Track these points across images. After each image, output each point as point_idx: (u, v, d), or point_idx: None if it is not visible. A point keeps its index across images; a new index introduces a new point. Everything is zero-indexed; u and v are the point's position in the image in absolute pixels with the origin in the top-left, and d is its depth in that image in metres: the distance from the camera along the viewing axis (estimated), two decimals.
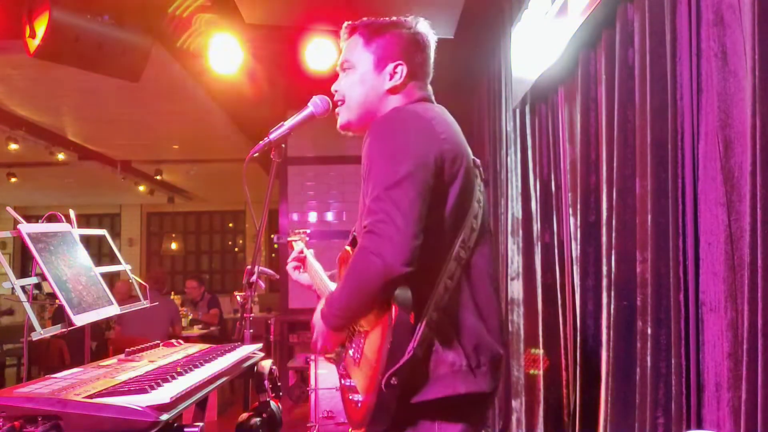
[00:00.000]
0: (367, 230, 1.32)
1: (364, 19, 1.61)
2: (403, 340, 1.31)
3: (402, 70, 1.54)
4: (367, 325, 1.43)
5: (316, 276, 1.87)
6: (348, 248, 1.64)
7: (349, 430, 1.51)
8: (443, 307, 1.37)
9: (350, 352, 1.52)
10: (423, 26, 1.59)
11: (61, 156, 6.99)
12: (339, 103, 1.62)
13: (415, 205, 1.31)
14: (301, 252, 1.96)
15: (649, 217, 1.86)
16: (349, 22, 1.62)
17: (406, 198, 1.31)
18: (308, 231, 2.08)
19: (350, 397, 1.46)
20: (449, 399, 1.35)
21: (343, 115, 1.61)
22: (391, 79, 1.54)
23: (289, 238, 2.08)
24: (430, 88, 1.62)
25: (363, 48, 1.57)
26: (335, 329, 1.47)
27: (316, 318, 1.51)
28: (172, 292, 7.91)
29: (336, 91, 1.63)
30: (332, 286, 1.76)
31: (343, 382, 1.55)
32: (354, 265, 1.35)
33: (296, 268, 1.95)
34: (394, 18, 1.59)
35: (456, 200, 1.42)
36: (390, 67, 1.54)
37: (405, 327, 1.31)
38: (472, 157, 1.51)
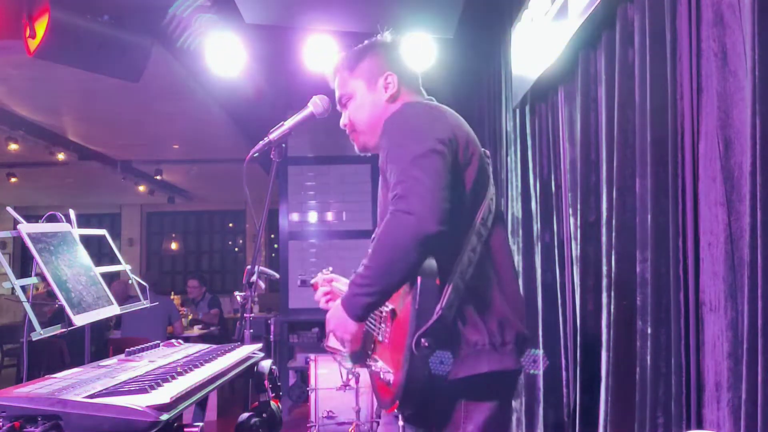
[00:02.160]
0: (398, 197, 1.35)
1: (341, 54, 1.75)
2: (430, 301, 1.35)
3: (393, 79, 1.66)
4: (392, 303, 1.45)
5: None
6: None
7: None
8: (468, 278, 1.41)
9: (379, 336, 1.53)
10: (391, 34, 1.72)
11: (61, 156, 6.98)
12: (350, 131, 1.71)
13: (441, 173, 1.37)
14: (326, 285, 1.91)
15: (649, 216, 1.86)
16: (331, 65, 1.76)
17: (432, 166, 1.36)
18: (330, 268, 2.04)
19: (381, 378, 1.47)
20: (474, 378, 1.39)
21: (359, 139, 1.71)
22: (386, 91, 1.66)
23: (312, 281, 2.03)
24: (423, 91, 1.72)
25: (351, 77, 1.69)
26: (359, 315, 1.43)
27: (334, 312, 1.48)
28: (172, 292, 7.92)
29: (345, 125, 1.72)
30: None
31: (373, 368, 1.54)
32: (385, 231, 1.36)
33: (327, 301, 1.88)
34: (365, 42, 1.73)
35: (473, 181, 1.50)
36: (381, 81, 1.66)
37: (432, 289, 1.35)
38: (482, 149, 1.60)
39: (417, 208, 1.31)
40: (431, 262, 1.36)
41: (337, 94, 1.74)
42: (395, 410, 1.42)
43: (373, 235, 1.67)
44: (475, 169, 1.51)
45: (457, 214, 1.42)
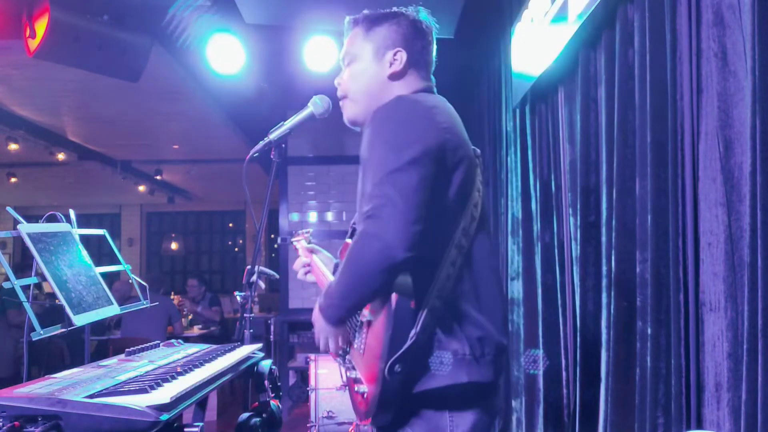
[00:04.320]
0: (368, 215, 1.29)
1: (365, 11, 1.62)
2: (404, 326, 1.30)
3: (402, 56, 1.54)
4: (370, 314, 1.41)
5: (321, 275, 1.83)
6: (348, 240, 1.61)
7: (353, 426, 1.50)
8: (446, 295, 1.35)
9: (355, 343, 1.50)
10: (423, 15, 1.61)
11: (61, 156, 6.98)
12: (342, 96, 1.61)
13: (417, 191, 1.29)
14: (307, 256, 1.91)
15: (649, 217, 1.86)
16: (351, 17, 1.63)
17: (408, 183, 1.29)
18: (311, 230, 2.05)
19: (356, 389, 1.45)
20: (453, 388, 1.34)
21: (349, 109, 1.61)
22: (391, 66, 1.54)
23: (292, 240, 2.05)
24: (432, 78, 1.62)
25: (363, 39, 1.58)
26: (335, 323, 1.42)
27: (315, 314, 1.47)
28: (172, 292, 7.91)
29: (339, 84, 1.62)
30: None
31: (348, 374, 1.53)
32: (354, 251, 1.31)
33: (306, 273, 1.90)
34: (394, 9, 1.60)
35: (458, 188, 1.41)
36: (389, 54, 1.55)
37: (406, 313, 1.31)
38: (472, 147, 1.51)
39: (385, 233, 1.26)
40: (407, 280, 1.31)
41: (343, 50, 1.63)
42: (369, 423, 1.42)
43: (350, 227, 1.65)
44: (461, 175, 1.41)
45: (436, 228, 1.36)
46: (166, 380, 1.39)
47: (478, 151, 1.55)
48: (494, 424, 1.48)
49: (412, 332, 1.30)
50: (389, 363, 1.29)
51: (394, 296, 1.31)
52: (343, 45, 1.64)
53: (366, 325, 1.43)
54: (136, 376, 1.45)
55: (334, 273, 1.74)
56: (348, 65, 1.61)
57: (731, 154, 1.52)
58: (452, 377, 1.34)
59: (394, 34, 1.56)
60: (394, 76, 1.55)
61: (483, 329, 1.39)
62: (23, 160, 7.53)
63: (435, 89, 1.61)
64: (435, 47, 1.64)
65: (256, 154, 1.83)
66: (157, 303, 2.61)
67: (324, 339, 1.48)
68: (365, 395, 1.40)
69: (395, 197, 1.28)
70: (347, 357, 1.55)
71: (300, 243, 2.00)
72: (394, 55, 1.54)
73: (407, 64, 1.55)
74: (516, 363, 3.50)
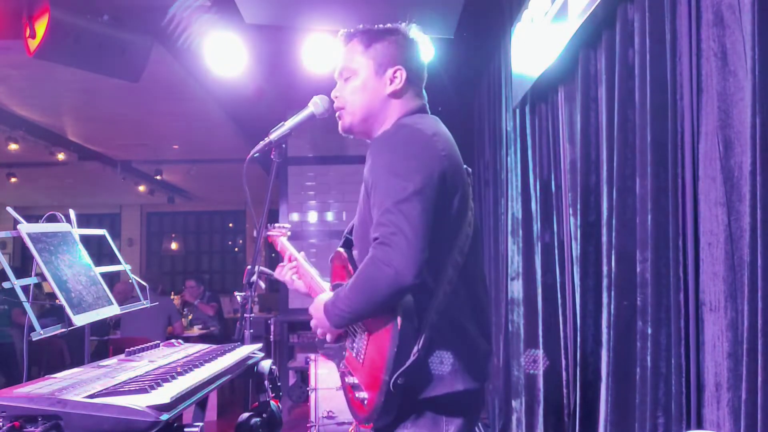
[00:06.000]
0: (379, 242, 1.37)
1: (360, 26, 1.66)
2: (408, 343, 1.39)
3: (401, 74, 1.60)
4: (371, 326, 1.48)
5: (310, 278, 1.83)
6: (341, 249, 1.66)
7: (353, 426, 1.55)
8: (443, 310, 1.45)
9: (353, 351, 1.54)
10: (416, 32, 1.66)
11: (61, 156, 6.98)
12: (339, 107, 1.66)
13: (423, 220, 1.37)
14: (291, 257, 1.91)
15: (649, 217, 1.86)
16: (346, 30, 1.67)
17: (415, 212, 1.37)
18: (288, 226, 2.05)
19: (356, 396, 1.51)
20: (451, 395, 1.44)
21: (346, 119, 1.65)
22: (391, 84, 1.59)
23: (268, 233, 2.02)
24: (425, 94, 1.68)
25: (362, 54, 1.61)
26: (337, 326, 1.52)
27: (317, 308, 1.56)
28: (172, 293, 7.91)
29: (336, 97, 1.67)
30: (326, 285, 1.75)
31: (346, 380, 1.57)
32: (366, 274, 1.40)
33: (294, 274, 1.89)
34: (389, 25, 1.65)
35: (456, 211, 1.49)
36: (389, 72, 1.60)
37: (410, 332, 1.39)
38: (464, 166, 1.59)
39: (396, 262, 1.34)
40: (409, 300, 1.40)
41: (340, 65, 1.66)
42: (370, 429, 1.50)
43: (343, 236, 1.70)
44: (458, 197, 1.49)
45: (437, 251, 1.43)
46: (166, 380, 1.39)
47: (470, 169, 1.62)
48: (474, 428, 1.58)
49: (415, 349, 1.39)
50: (395, 377, 1.37)
51: (399, 317, 1.39)
52: (339, 58, 1.67)
53: (365, 336, 1.49)
54: (136, 376, 1.45)
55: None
56: (346, 80, 1.64)
57: (731, 153, 1.52)
58: (450, 386, 1.44)
59: (394, 51, 1.60)
60: (395, 94, 1.60)
61: (475, 339, 1.50)
62: (23, 160, 7.53)
63: (428, 106, 1.66)
64: (426, 62, 1.69)
65: (256, 154, 1.83)
66: (156, 303, 2.61)
67: (321, 332, 1.59)
68: (365, 402, 1.46)
69: (404, 226, 1.35)
70: (343, 362, 1.60)
71: (281, 239, 1.99)
72: (394, 72, 1.59)
73: (406, 82, 1.60)
74: (516, 363, 3.50)
